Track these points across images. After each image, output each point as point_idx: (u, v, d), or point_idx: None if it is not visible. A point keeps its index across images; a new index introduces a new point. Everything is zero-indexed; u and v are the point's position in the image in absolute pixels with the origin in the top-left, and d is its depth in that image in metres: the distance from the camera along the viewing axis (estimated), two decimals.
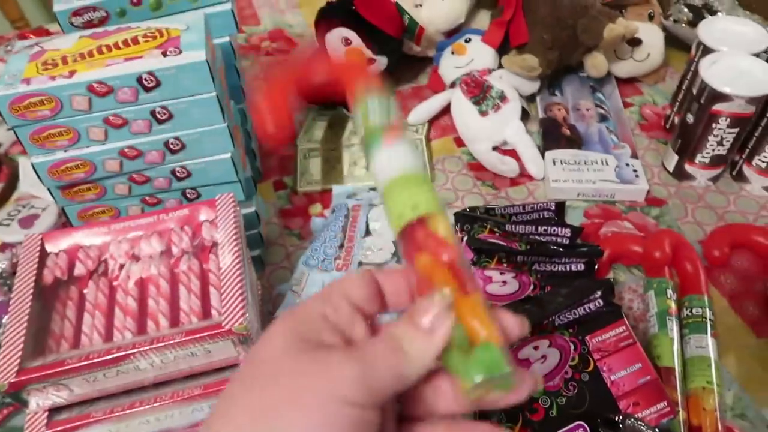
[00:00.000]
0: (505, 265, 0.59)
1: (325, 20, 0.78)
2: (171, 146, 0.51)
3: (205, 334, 0.43)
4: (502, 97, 0.76)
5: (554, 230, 0.62)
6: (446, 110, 0.82)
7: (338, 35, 0.77)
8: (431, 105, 0.81)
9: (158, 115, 0.49)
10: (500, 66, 0.80)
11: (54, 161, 0.50)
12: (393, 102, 0.33)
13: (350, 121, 0.83)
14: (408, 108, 0.85)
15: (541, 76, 0.78)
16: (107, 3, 0.56)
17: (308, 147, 0.79)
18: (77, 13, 0.56)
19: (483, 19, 0.85)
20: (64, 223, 0.72)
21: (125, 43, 0.49)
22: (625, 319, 0.51)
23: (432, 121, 0.83)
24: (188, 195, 0.56)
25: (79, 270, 0.50)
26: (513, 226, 0.62)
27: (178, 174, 0.54)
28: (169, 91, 0.48)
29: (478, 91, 0.77)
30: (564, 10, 0.76)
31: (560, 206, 0.68)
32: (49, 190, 0.52)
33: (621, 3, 0.83)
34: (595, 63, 0.78)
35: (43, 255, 0.51)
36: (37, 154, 0.50)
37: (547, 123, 0.79)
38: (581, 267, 0.58)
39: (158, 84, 0.48)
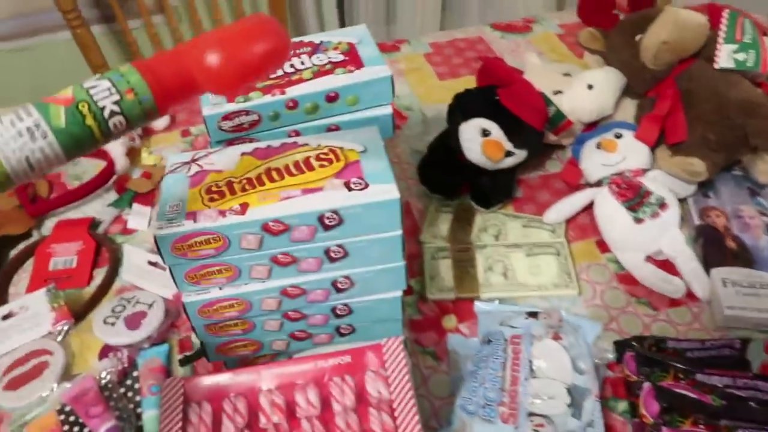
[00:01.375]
0: (702, 427, 0.50)
1: (462, 108, 0.71)
2: (339, 285, 0.44)
3: None
4: (662, 204, 0.68)
5: (755, 384, 0.53)
6: (584, 208, 0.73)
7: (476, 126, 0.70)
8: (572, 204, 0.73)
9: (332, 254, 0.42)
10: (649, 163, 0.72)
11: (208, 301, 0.43)
12: None
13: (478, 214, 0.75)
14: (537, 199, 0.77)
15: (705, 181, 0.70)
16: (261, 107, 0.50)
17: (435, 246, 0.71)
18: (228, 117, 0.49)
19: (626, 109, 0.77)
20: (172, 324, 0.66)
21: (297, 167, 0.43)
22: None
23: (569, 221, 0.74)
24: (342, 331, 0.49)
25: (227, 428, 0.43)
26: (704, 375, 0.53)
27: (338, 312, 0.46)
28: (351, 230, 0.41)
29: (633, 194, 0.69)
30: (731, 107, 0.68)
31: (745, 344, 0.58)
32: (193, 327, 0.45)
33: None
34: (767, 169, 0.69)
35: (186, 403, 0.44)
36: (190, 291, 0.43)
37: (706, 232, 0.70)
38: None
39: (340, 222, 0.41)
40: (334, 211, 0.40)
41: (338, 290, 0.44)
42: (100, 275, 0.72)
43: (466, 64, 1.02)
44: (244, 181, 0.42)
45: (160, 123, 0.89)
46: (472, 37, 1.09)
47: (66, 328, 0.65)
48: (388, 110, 0.53)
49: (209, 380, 0.44)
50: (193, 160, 0.44)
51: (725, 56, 0.70)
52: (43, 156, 0.30)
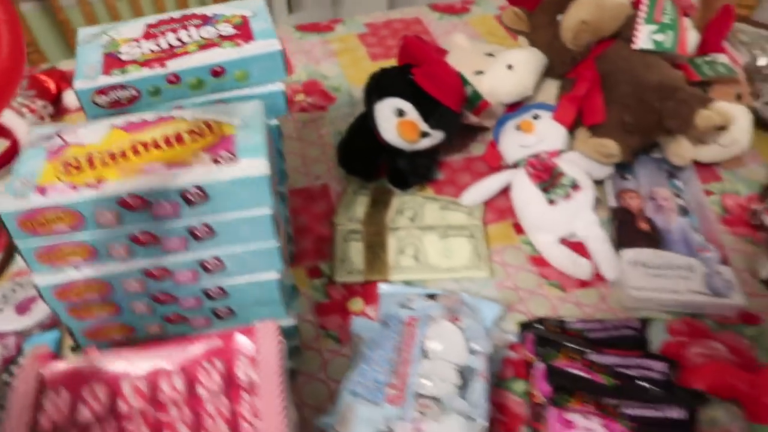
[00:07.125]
0: (588, 405, 0.49)
1: (377, 87, 0.69)
2: (208, 266, 0.42)
3: None
4: (575, 185, 0.67)
5: (647, 363, 0.53)
6: (504, 190, 0.73)
7: (391, 105, 0.68)
8: (489, 186, 0.72)
9: (198, 233, 0.40)
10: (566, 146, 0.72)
11: (63, 284, 0.41)
12: None
13: (395, 196, 0.74)
14: (458, 182, 0.76)
15: (619, 162, 0.69)
16: (139, 81, 0.47)
17: (348, 228, 0.70)
18: (102, 91, 0.47)
19: (548, 90, 0.76)
20: None
21: (167, 141, 0.40)
22: None
23: (487, 203, 0.74)
24: (220, 313, 0.47)
25: (84, 415, 0.41)
26: (597, 354, 0.53)
27: (211, 294, 0.45)
28: (218, 207, 0.39)
29: (547, 176, 0.68)
30: (648, 90, 0.68)
31: (645, 323, 0.58)
32: (53, 310, 0.43)
33: (706, 80, 0.74)
34: (680, 151, 0.69)
35: (41, 390, 0.42)
36: (43, 272, 0.41)
37: (620, 214, 0.70)
38: (683, 415, 0.49)
39: (205, 199, 0.39)
40: (199, 187, 0.38)
41: (208, 271, 0.43)
42: None
43: None
44: (106, 155, 0.40)
45: (74, 101, 0.85)
46: (409, 18, 1.07)
47: None
48: (279, 87, 0.51)
49: (67, 366, 0.42)
50: (57, 134, 0.42)
51: (644, 37, 0.70)
52: None
